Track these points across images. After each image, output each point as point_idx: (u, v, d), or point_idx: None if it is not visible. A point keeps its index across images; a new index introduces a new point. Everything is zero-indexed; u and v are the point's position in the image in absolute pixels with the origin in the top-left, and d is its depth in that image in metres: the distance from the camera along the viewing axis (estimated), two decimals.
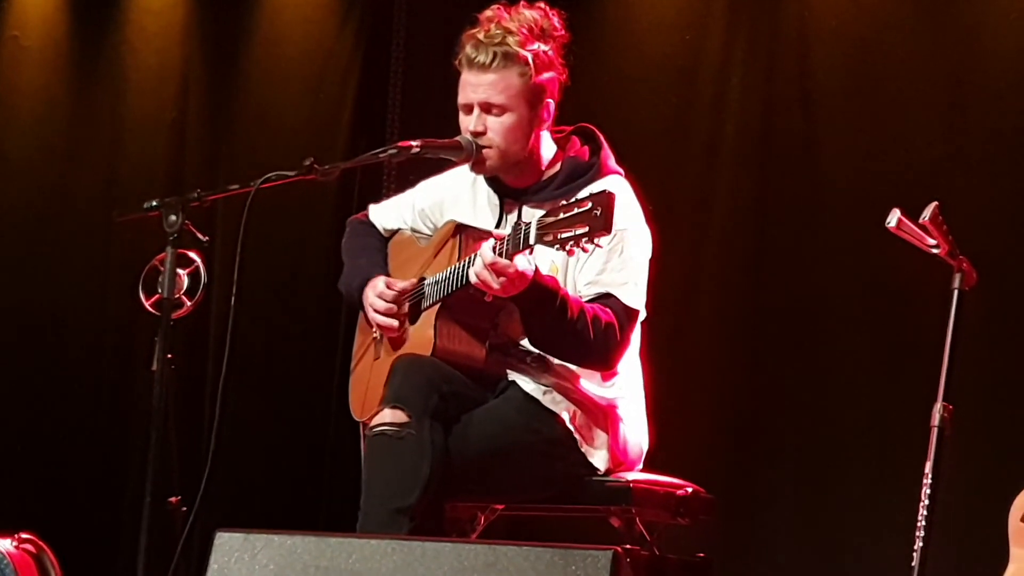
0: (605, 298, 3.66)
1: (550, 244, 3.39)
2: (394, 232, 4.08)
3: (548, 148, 3.84)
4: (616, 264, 3.67)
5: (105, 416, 6.27)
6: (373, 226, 4.11)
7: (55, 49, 6.51)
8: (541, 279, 3.55)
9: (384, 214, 4.11)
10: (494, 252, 3.49)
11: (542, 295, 3.55)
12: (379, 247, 4.06)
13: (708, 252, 5.25)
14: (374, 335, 3.99)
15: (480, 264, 3.51)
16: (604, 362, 3.70)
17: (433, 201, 3.99)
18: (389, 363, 3.73)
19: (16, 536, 4.48)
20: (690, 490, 3.84)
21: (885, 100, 4.99)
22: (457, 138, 3.77)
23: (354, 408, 4.00)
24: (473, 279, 3.53)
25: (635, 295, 3.69)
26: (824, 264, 5.03)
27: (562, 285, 3.68)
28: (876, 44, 5.03)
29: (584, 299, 3.67)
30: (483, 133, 3.74)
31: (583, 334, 3.58)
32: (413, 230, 4.04)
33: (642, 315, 3.74)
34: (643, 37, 5.48)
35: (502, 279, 3.48)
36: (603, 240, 3.37)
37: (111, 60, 6.42)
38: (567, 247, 3.36)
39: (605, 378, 3.77)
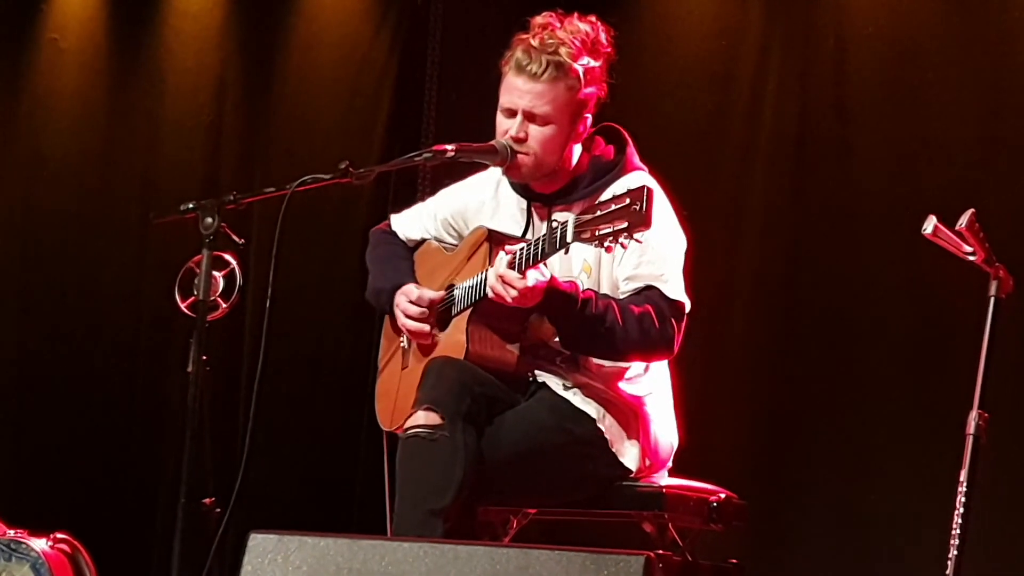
0: (647, 290, 3.67)
1: (588, 241, 3.40)
2: (418, 242, 4.09)
3: (576, 152, 3.84)
4: (651, 257, 3.68)
5: (140, 417, 6.30)
6: (396, 236, 4.13)
7: (94, 52, 6.55)
8: (557, 286, 3.57)
9: (406, 224, 4.12)
10: (517, 259, 3.53)
11: (561, 302, 3.58)
12: (405, 255, 4.07)
13: (742, 257, 5.23)
14: (402, 344, 3.99)
15: (493, 276, 3.54)
16: (651, 353, 3.70)
17: (455, 209, 4.00)
18: (419, 371, 3.74)
19: (51, 536, 4.51)
20: (723, 496, 3.83)
21: (921, 106, 4.97)
22: (492, 142, 3.78)
23: (382, 418, 4.01)
24: (489, 292, 3.58)
25: (674, 287, 3.69)
26: (859, 270, 5.01)
27: (595, 285, 3.70)
28: (912, 50, 5.01)
29: (624, 295, 3.68)
30: (524, 140, 3.75)
31: (615, 331, 3.59)
32: (437, 239, 4.05)
33: (688, 307, 3.72)
34: (679, 43, 5.47)
35: (513, 292, 3.51)
36: (642, 235, 3.37)
37: (149, 63, 6.45)
38: (605, 243, 3.37)
39: (632, 376, 3.77)
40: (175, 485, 3.57)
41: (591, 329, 3.61)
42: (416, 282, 3.95)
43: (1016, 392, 4.47)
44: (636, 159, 3.84)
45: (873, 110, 5.06)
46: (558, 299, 3.58)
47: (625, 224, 3.33)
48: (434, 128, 5.93)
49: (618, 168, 3.78)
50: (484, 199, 3.94)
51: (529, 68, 3.70)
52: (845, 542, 4.91)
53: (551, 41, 3.70)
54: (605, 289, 3.72)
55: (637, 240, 3.38)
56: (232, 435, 5.67)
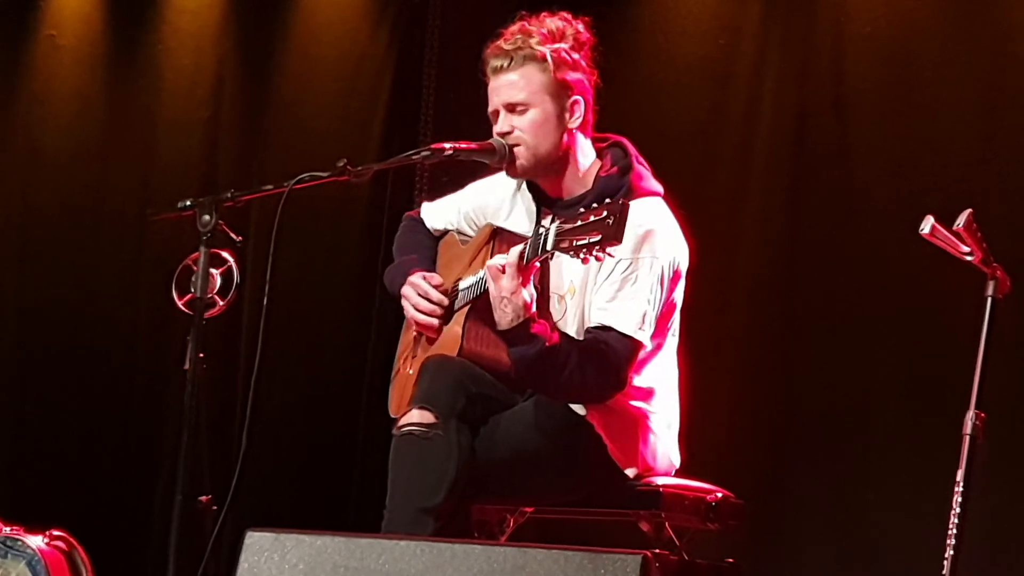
0: (606, 331, 3.61)
1: (566, 251, 3.38)
2: (443, 232, 4.10)
3: (586, 155, 3.82)
4: (628, 292, 3.63)
5: (137, 414, 6.30)
6: (424, 224, 4.13)
7: (91, 48, 6.55)
8: (534, 319, 3.54)
9: (434, 214, 4.13)
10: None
11: (529, 339, 3.53)
12: (428, 244, 4.08)
13: (741, 257, 5.23)
14: (415, 332, 3.99)
15: (499, 259, 3.52)
16: (595, 400, 3.68)
17: (477, 205, 4.01)
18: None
19: (48, 533, 4.51)
20: (720, 495, 3.83)
21: (919, 106, 4.97)
22: (490, 140, 3.78)
23: (391, 405, 4.00)
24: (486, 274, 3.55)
25: (639, 326, 3.62)
26: (857, 270, 5.01)
27: (576, 307, 3.68)
28: (910, 49, 5.01)
29: (589, 325, 3.65)
30: (510, 133, 3.75)
31: (570, 386, 3.57)
32: (458, 232, 4.05)
33: (647, 347, 3.67)
34: (677, 41, 5.47)
35: (505, 282, 3.48)
36: (615, 250, 3.35)
37: (146, 60, 6.46)
38: (581, 255, 3.35)
39: (637, 387, 3.74)
40: (171, 482, 3.58)
41: (543, 376, 3.58)
42: (433, 271, 3.95)
43: (1013, 392, 4.47)
44: (646, 181, 3.77)
45: (871, 110, 5.06)
46: (526, 334, 3.53)
47: (598, 237, 3.31)
48: (432, 126, 5.93)
49: (622, 192, 3.67)
50: (504, 198, 3.93)
51: (498, 65, 3.75)
52: (841, 542, 4.91)
53: (518, 37, 3.75)
54: (585, 311, 3.70)
55: (609, 254, 3.36)
56: (229, 432, 5.68)
